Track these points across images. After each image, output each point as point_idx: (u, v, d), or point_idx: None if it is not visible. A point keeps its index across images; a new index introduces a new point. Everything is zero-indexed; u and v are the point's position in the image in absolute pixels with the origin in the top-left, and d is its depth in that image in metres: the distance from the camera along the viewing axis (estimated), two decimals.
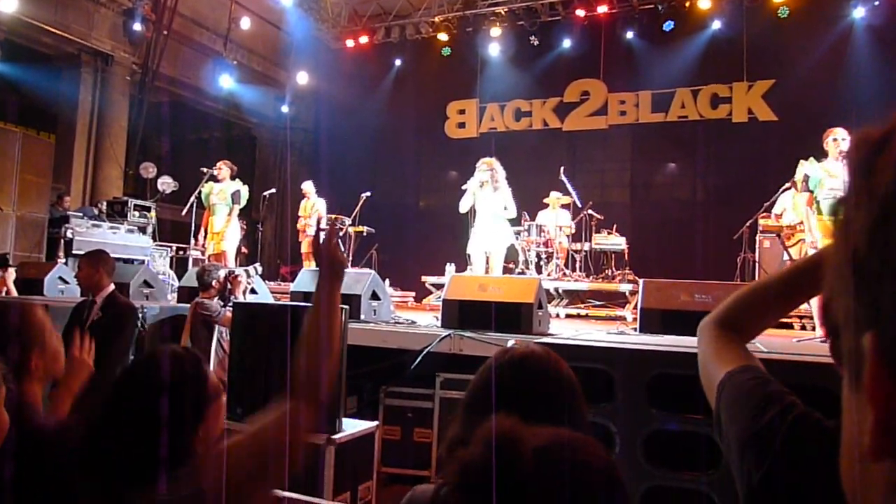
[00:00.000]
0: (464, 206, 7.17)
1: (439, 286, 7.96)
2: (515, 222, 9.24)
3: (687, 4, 10.84)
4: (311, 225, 9.31)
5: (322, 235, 1.53)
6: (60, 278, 6.70)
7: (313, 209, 9.58)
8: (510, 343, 1.43)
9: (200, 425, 1.33)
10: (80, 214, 9.11)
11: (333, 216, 9.56)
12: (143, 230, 9.53)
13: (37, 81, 10.53)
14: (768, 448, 0.76)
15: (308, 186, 9.81)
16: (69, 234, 8.41)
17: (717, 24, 10.70)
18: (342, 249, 1.61)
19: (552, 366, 1.32)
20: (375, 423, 4.17)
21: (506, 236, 7.12)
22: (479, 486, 0.74)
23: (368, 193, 9.51)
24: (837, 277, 0.38)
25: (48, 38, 10.43)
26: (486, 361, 1.34)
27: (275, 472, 1.28)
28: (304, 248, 9.32)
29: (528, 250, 9.05)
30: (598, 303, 8.39)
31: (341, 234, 9.11)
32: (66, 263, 7.65)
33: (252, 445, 1.30)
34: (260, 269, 6.43)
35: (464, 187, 7.20)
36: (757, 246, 7.57)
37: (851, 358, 0.37)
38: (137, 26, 10.82)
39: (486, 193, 6.99)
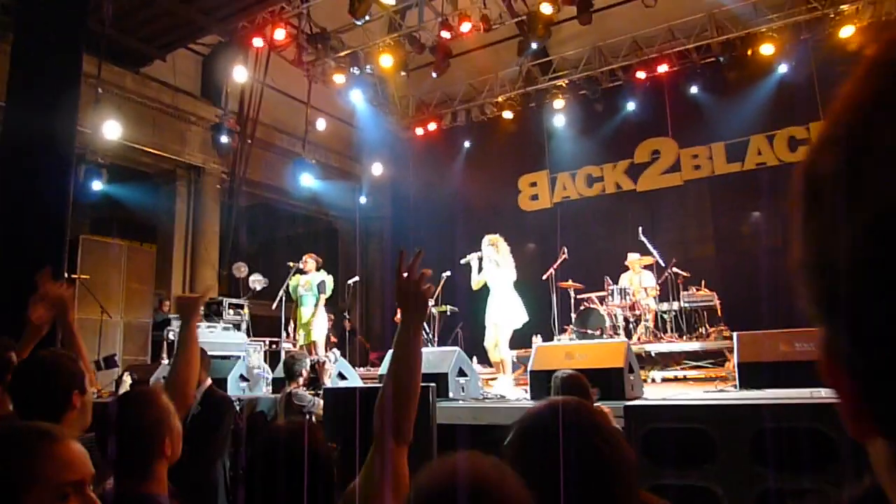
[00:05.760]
0: (475, 284, 7.16)
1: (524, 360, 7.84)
2: (595, 287, 9.08)
3: (749, 52, 10.75)
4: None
5: (409, 271, 1.58)
6: (164, 377, 7.02)
7: None
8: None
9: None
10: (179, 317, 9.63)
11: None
12: (237, 327, 9.95)
13: (138, 198, 11.48)
14: None
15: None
16: (171, 336, 8.88)
17: (783, 68, 10.52)
18: (427, 285, 1.61)
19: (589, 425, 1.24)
20: None
21: (516, 312, 6.98)
22: None
23: (448, 273, 9.63)
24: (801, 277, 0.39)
25: (148, 157, 11.44)
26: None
27: None
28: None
29: (614, 315, 8.84)
30: (694, 363, 8.02)
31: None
32: (168, 363, 8.05)
33: (363, 489, 1.35)
34: (338, 354, 6.56)
35: (462, 261, 7.23)
36: None
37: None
38: (224, 138, 11.69)
39: (494, 269, 7.00)
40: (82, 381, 2.05)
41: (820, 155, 0.36)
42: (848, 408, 0.35)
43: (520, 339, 8.85)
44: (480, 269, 7.11)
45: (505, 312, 6.94)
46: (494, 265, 7.01)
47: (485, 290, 7.21)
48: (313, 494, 1.28)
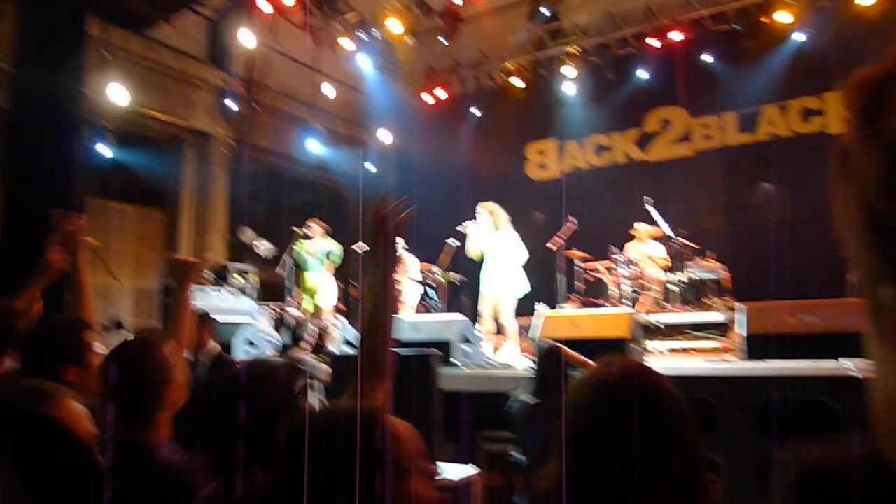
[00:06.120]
0: (471, 251, 7.09)
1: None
2: (602, 257, 9.07)
3: (765, 20, 10.53)
4: (400, 281, 9.49)
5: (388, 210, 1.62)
6: None
7: (402, 265, 9.77)
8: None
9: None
10: None
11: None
12: (244, 292, 10.01)
13: (145, 163, 11.46)
14: None
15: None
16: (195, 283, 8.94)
17: (799, 37, 10.31)
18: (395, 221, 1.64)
19: (653, 386, 1.20)
20: (477, 470, 4.10)
21: (518, 281, 6.92)
22: None
23: (457, 243, 9.62)
24: (851, 229, 0.37)
25: (154, 122, 11.38)
26: (577, 390, 1.23)
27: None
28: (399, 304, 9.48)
29: (620, 285, 8.84)
30: (699, 334, 8.04)
31: (431, 282, 9.23)
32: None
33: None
34: (345, 320, 6.59)
35: (459, 228, 7.16)
36: None
37: (871, 307, 0.36)
38: (231, 103, 11.60)
39: (491, 236, 6.89)
40: (79, 354, 2.05)
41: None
42: None
43: (523, 307, 8.89)
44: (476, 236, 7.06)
45: (507, 281, 6.92)
46: (492, 232, 6.95)
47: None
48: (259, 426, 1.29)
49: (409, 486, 1.09)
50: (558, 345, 3.70)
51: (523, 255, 6.97)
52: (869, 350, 0.38)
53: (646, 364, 1.25)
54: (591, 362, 3.41)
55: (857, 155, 0.34)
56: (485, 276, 7.13)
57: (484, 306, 7.04)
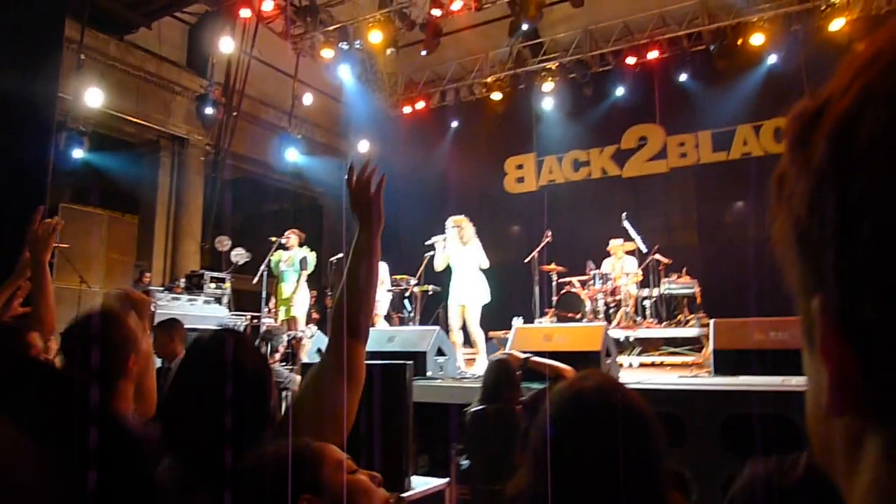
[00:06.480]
0: (438, 265, 7.29)
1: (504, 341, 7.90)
2: (578, 272, 9.17)
3: (739, 42, 10.76)
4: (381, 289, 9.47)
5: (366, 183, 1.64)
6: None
7: None
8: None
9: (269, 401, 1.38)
10: (161, 289, 9.59)
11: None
12: (219, 301, 9.91)
13: (120, 167, 11.34)
14: None
15: None
16: (151, 308, 8.83)
17: (772, 59, 10.55)
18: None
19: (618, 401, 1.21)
20: (446, 479, 4.12)
21: (481, 291, 7.10)
22: None
23: (432, 253, 9.63)
24: (785, 248, 0.39)
25: (130, 127, 11.27)
26: (546, 405, 1.25)
27: (338, 413, 1.31)
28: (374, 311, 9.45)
29: (595, 300, 8.91)
30: (671, 349, 8.13)
31: (407, 292, 9.23)
32: (148, 334, 8.01)
33: (314, 390, 1.37)
34: (315, 329, 6.57)
35: (427, 243, 7.34)
36: None
37: (804, 322, 0.38)
38: (209, 110, 11.54)
39: (458, 249, 7.08)
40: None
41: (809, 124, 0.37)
42: (840, 380, 0.35)
43: (500, 321, 8.91)
44: (444, 249, 7.22)
45: (471, 291, 7.04)
46: (459, 246, 7.09)
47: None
48: (240, 408, 1.26)
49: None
50: (509, 356, 3.78)
51: (484, 262, 7.13)
52: (805, 364, 0.40)
53: (617, 379, 1.28)
54: (561, 366, 3.47)
55: (790, 178, 0.37)
56: (452, 287, 7.25)
57: (452, 317, 7.14)
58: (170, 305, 9.06)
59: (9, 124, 5.02)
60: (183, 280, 10.31)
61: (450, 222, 7.29)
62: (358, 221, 1.63)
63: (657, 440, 1.18)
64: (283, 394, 5.13)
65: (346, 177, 1.66)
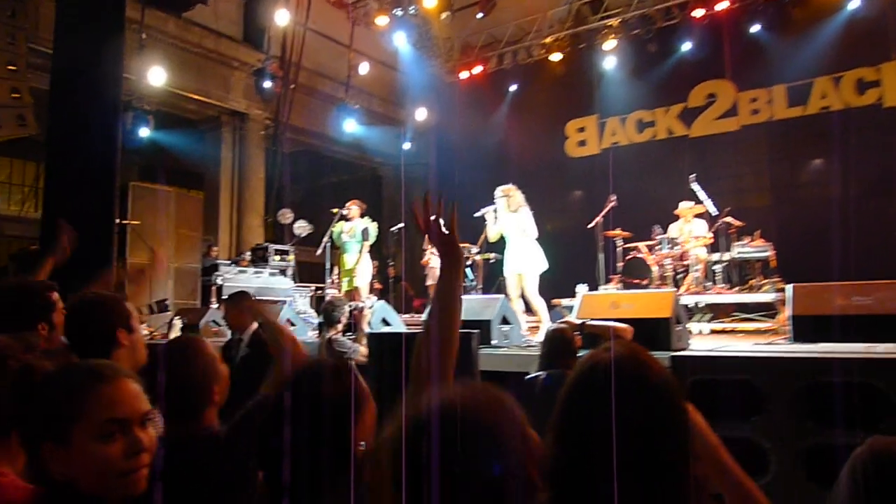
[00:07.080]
0: (492, 236, 7.13)
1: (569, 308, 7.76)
2: (644, 236, 8.91)
3: None
4: (435, 256, 9.44)
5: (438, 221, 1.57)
6: (213, 321, 7.21)
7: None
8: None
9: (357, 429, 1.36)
10: (228, 262, 9.85)
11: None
12: (283, 273, 10.10)
13: (184, 144, 11.62)
14: None
15: None
16: (219, 281, 9.06)
17: (853, 4, 9.82)
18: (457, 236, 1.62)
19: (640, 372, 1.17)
20: None
21: (537, 259, 6.89)
22: None
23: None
24: None
25: (192, 104, 11.49)
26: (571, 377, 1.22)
27: None
28: (430, 280, 9.45)
29: (663, 265, 8.64)
30: (744, 315, 7.81)
31: (468, 254, 9.20)
32: (218, 308, 8.24)
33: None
34: (375, 299, 6.58)
35: (476, 215, 7.16)
36: None
37: None
38: (267, 83, 11.62)
39: (508, 218, 6.89)
40: (128, 320, 2.07)
41: None
42: None
43: (563, 289, 8.75)
44: (496, 220, 7.08)
45: (526, 259, 6.91)
46: (509, 214, 6.95)
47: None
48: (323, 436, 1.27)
49: None
50: (566, 323, 3.67)
51: (532, 231, 6.97)
52: None
53: (643, 350, 1.21)
54: (618, 325, 3.36)
55: None
56: (506, 257, 7.14)
57: (510, 287, 7.04)
58: (237, 279, 9.29)
59: (78, 107, 5.14)
60: (248, 253, 10.54)
61: (498, 192, 7.16)
62: (441, 260, 1.59)
63: (676, 413, 1.12)
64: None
65: (423, 209, 1.58)
